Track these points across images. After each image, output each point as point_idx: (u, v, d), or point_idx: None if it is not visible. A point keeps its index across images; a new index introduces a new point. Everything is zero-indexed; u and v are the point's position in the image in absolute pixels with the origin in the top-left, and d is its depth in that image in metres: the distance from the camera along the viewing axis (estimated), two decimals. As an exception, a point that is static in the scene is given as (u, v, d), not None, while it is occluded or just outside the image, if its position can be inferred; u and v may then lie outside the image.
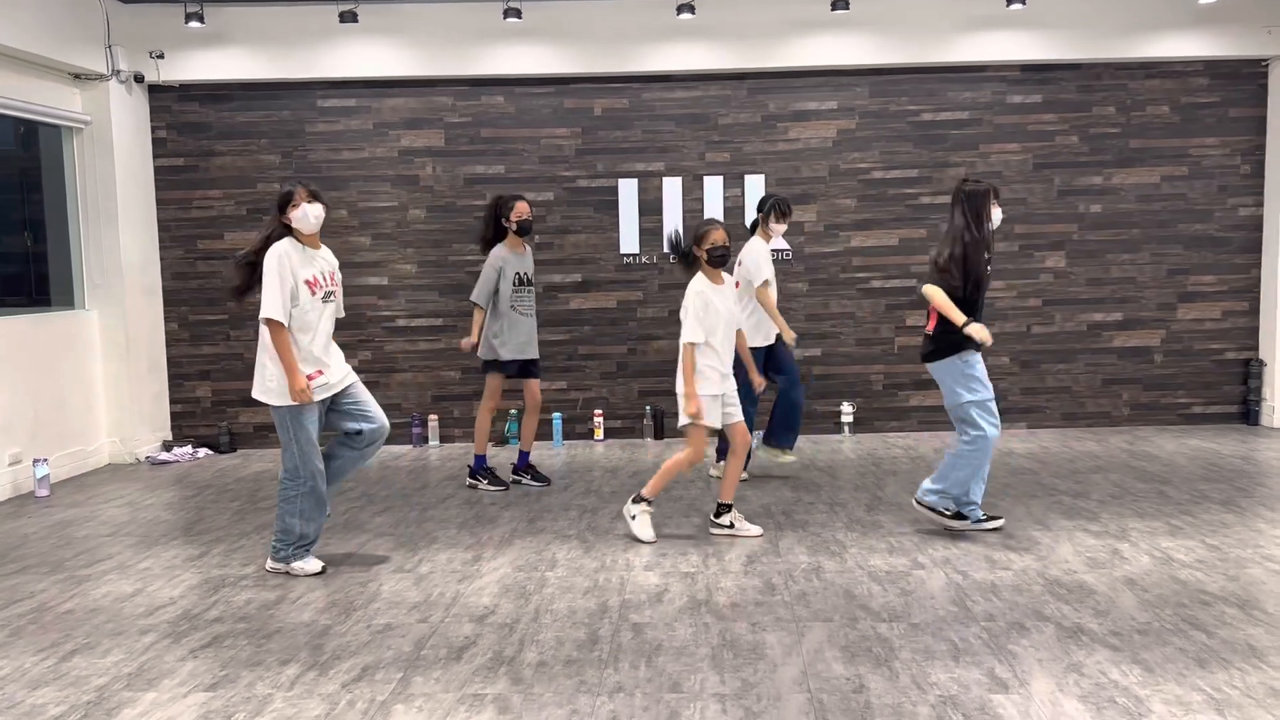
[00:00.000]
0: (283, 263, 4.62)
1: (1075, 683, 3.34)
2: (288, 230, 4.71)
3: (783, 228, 6.52)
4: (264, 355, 4.74)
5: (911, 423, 8.23)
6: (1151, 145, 8.08)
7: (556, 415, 8.08)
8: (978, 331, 4.83)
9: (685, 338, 5.04)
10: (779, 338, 6.38)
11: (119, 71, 7.51)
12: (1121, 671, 3.42)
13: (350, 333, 8.06)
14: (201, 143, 8.06)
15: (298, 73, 7.87)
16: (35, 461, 6.67)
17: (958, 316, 4.86)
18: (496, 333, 6.30)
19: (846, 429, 8.17)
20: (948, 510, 5.17)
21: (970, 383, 4.97)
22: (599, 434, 8.19)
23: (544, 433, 8.07)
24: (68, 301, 7.63)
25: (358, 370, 8.14)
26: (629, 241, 8.15)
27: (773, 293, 6.30)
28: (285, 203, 4.69)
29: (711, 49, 7.84)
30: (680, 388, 5.11)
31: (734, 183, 8.10)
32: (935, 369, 5.08)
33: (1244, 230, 8.14)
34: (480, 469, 6.54)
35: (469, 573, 4.73)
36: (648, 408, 8.20)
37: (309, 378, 4.68)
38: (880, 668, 3.52)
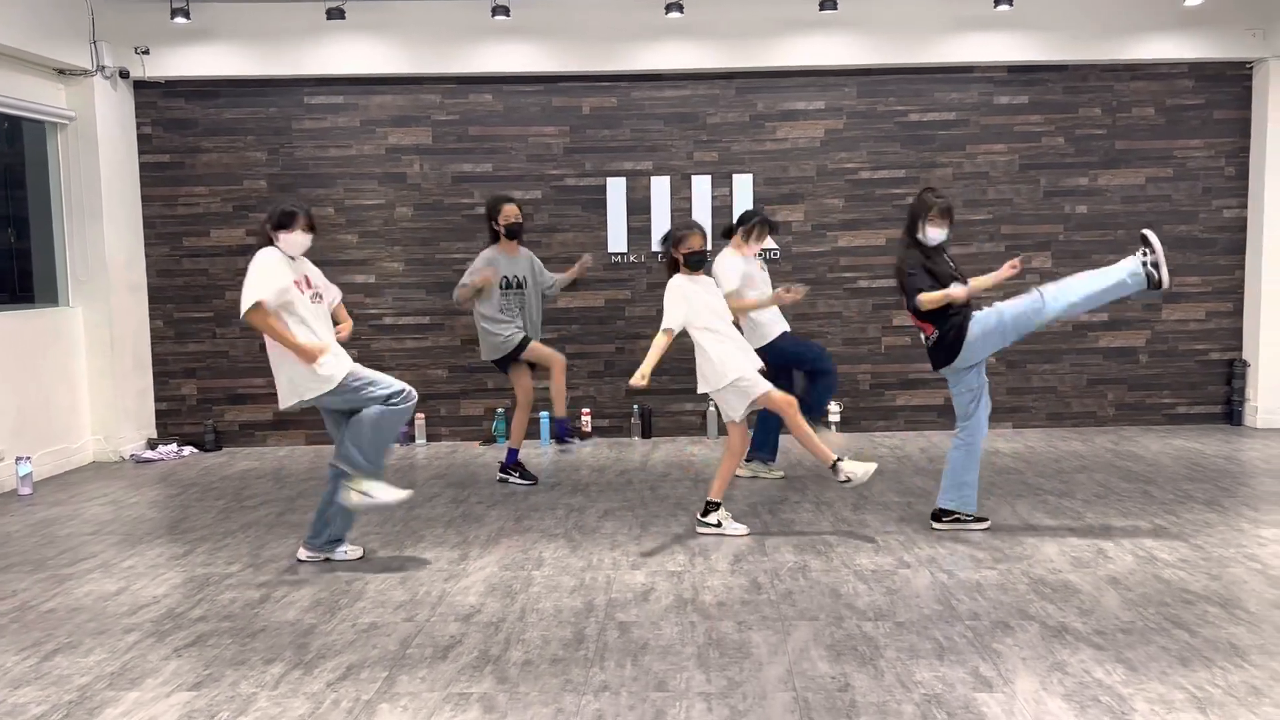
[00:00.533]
0: (274, 260, 4.67)
1: (1059, 681, 3.36)
2: (270, 244, 4.76)
3: (759, 246, 6.46)
4: (274, 360, 4.75)
5: (898, 422, 8.25)
6: (1137, 147, 8.12)
7: (544, 414, 8.06)
8: (961, 291, 4.92)
9: (665, 324, 5.12)
10: (781, 335, 6.36)
11: (104, 67, 7.46)
12: (1105, 670, 3.44)
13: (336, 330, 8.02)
14: (187, 139, 8.02)
15: (285, 69, 7.84)
16: (18, 459, 6.62)
17: (950, 294, 4.92)
18: (486, 331, 6.31)
19: (833, 428, 8.18)
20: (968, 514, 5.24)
21: (977, 370, 5.10)
22: (587, 431, 8.18)
23: (531, 431, 8.06)
24: (52, 298, 7.59)
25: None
26: (617, 240, 8.15)
27: (753, 297, 6.24)
28: (283, 223, 4.71)
29: (700, 48, 7.85)
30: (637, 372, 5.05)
31: (722, 182, 8.11)
32: (949, 373, 5.15)
33: (1228, 232, 8.19)
34: (512, 463, 6.59)
35: (455, 571, 4.72)
36: (635, 406, 8.19)
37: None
38: (865, 666, 3.53)
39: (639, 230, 8.13)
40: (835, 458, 5.11)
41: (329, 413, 4.87)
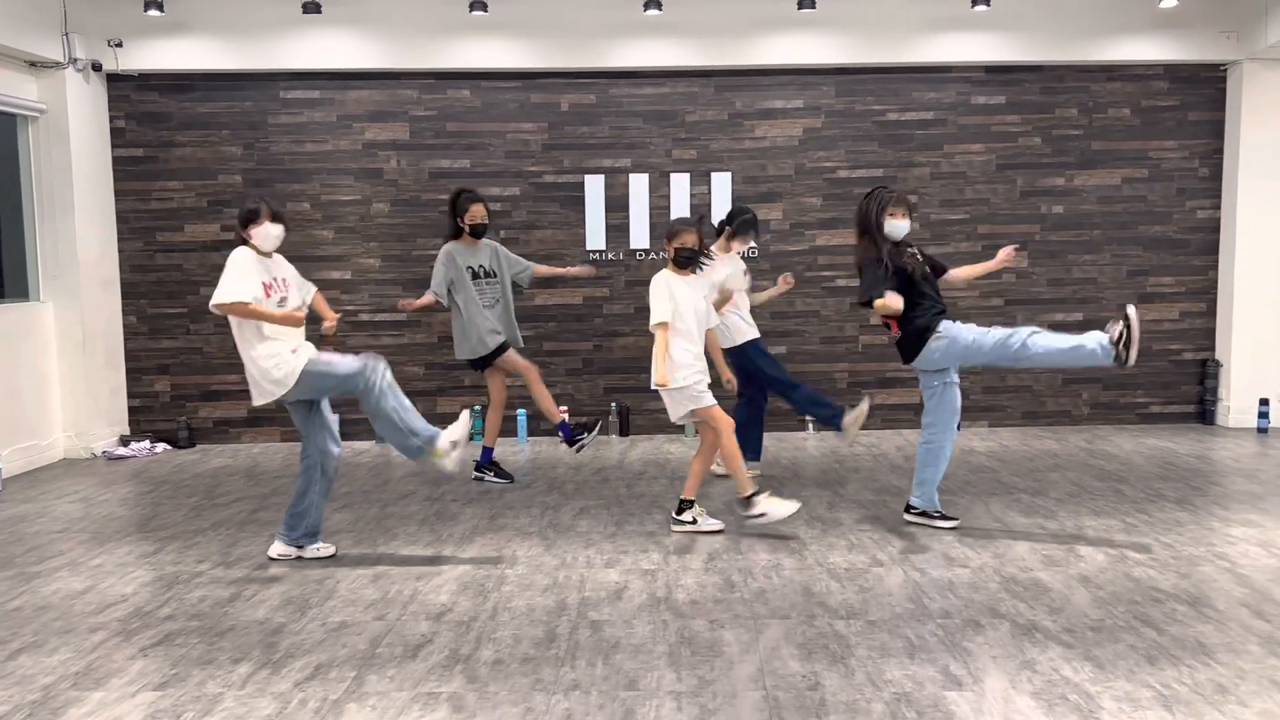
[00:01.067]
0: (247, 259, 4.68)
1: (1028, 680, 3.37)
2: (244, 243, 4.77)
3: (744, 246, 6.53)
4: (244, 355, 4.74)
5: (875, 420, 8.26)
6: (1112, 147, 8.17)
7: (521, 411, 8.04)
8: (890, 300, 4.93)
9: (654, 319, 5.06)
10: (749, 341, 6.37)
11: (76, 60, 7.38)
12: (1073, 668, 3.45)
13: (312, 327, 7.92)
14: (161, 133, 7.94)
15: (260, 63, 7.77)
16: (-13, 456, 6.56)
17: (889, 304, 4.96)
18: (463, 330, 6.28)
19: (810, 427, 8.20)
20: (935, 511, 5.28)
21: (947, 363, 5.10)
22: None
23: (508, 428, 8.04)
24: (22, 293, 7.50)
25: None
26: (596, 238, 8.13)
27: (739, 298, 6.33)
28: (249, 219, 4.73)
29: (679, 46, 7.83)
30: (655, 375, 5.07)
31: (701, 180, 8.10)
32: (918, 365, 5.17)
33: (1201, 232, 8.25)
34: (487, 462, 6.56)
35: (428, 570, 4.69)
36: (613, 404, 8.18)
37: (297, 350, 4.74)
38: (836, 665, 3.53)
39: (617, 228, 8.11)
40: (752, 491, 5.16)
41: (294, 406, 4.85)
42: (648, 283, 5.25)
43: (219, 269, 4.70)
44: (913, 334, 5.06)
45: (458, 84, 7.99)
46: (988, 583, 4.37)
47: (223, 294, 4.57)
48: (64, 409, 7.57)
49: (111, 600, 4.36)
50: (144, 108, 7.92)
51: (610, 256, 8.13)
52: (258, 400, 4.76)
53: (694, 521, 5.24)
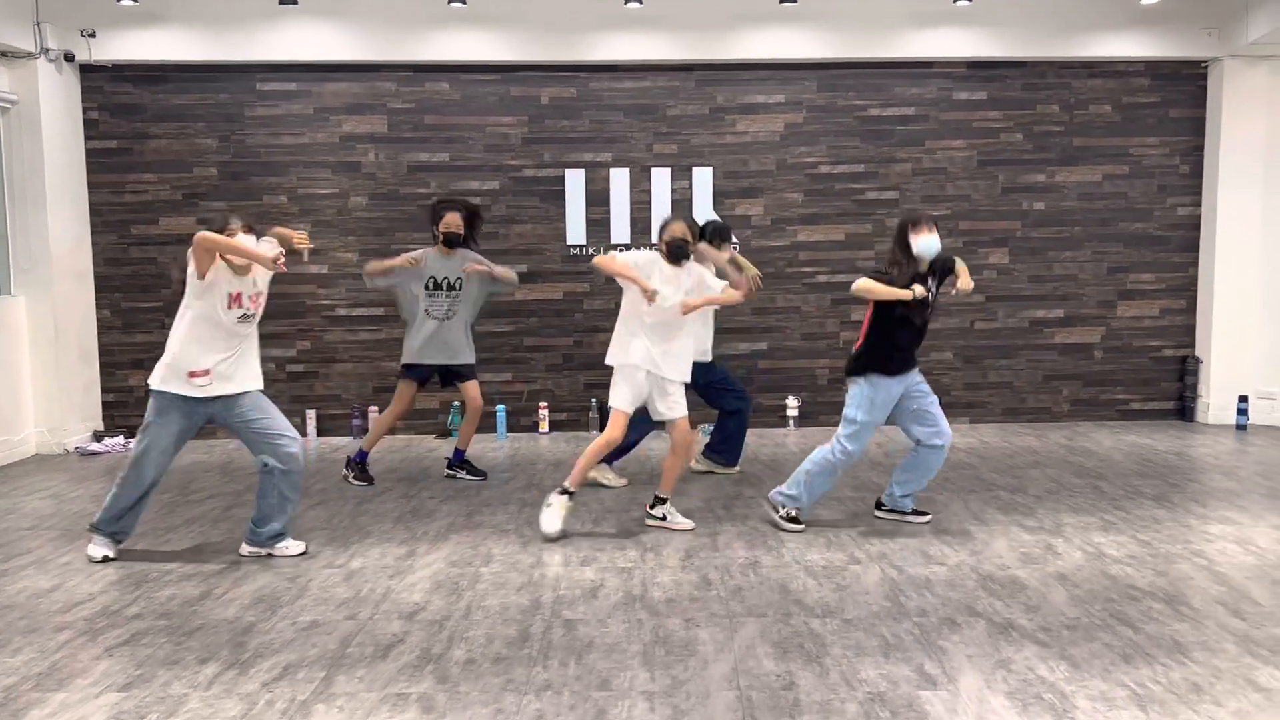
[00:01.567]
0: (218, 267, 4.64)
1: (1003, 679, 3.35)
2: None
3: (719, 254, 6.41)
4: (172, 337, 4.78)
5: (856, 417, 8.25)
6: (1094, 144, 8.17)
7: (500, 407, 7.99)
8: (917, 289, 4.87)
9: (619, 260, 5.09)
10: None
11: (48, 50, 7.28)
12: (1049, 667, 3.43)
13: (289, 322, 7.91)
14: (135, 125, 7.84)
15: (236, 54, 7.68)
16: (-44, 452, 6.46)
17: (897, 293, 4.87)
18: (408, 333, 6.22)
19: (791, 423, 8.18)
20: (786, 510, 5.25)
21: (863, 405, 5.03)
22: (544, 427, 8.11)
23: (487, 425, 7.98)
24: (-7, 286, 7.41)
25: (295, 360, 8.02)
26: (576, 232, 8.08)
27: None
28: (219, 233, 4.63)
29: (660, 39, 7.78)
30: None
31: (682, 175, 8.05)
32: (850, 383, 5.14)
33: (1182, 229, 8.27)
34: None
35: (401, 568, 4.64)
36: (594, 400, 8.13)
37: (196, 374, 4.68)
38: (811, 664, 3.50)
39: (598, 222, 8.06)
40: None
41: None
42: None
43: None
44: (859, 359, 5.06)
45: (436, 76, 7.92)
46: (965, 580, 4.35)
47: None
48: (36, 404, 7.47)
49: (79, 599, 4.29)
50: (118, 99, 7.81)
51: (591, 251, 8.08)
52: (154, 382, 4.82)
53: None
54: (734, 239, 6.48)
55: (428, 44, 7.72)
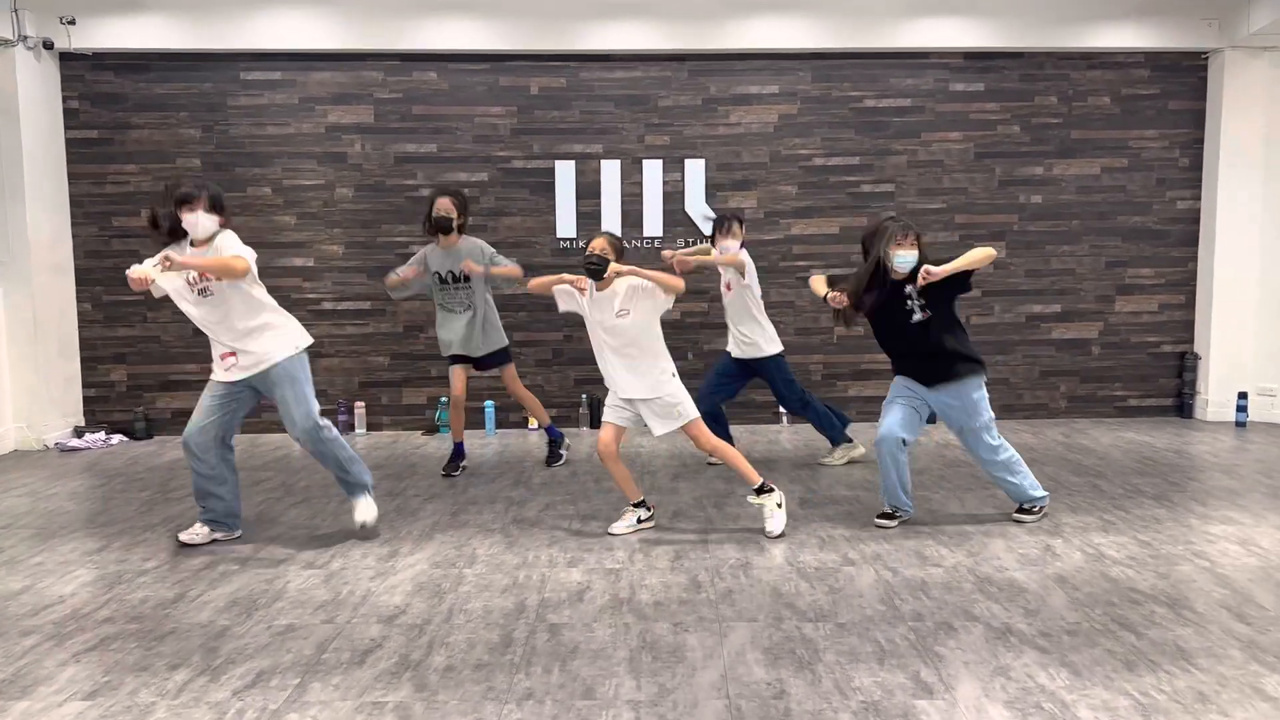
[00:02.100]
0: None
1: (1002, 687, 3.23)
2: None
3: (726, 243, 6.30)
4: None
5: (850, 413, 8.10)
6: (1092, 136, 8.05)
7: (489, 403, 7.86)
8: (835, 299, 4.94)
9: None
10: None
11: (26, 37, 7.13)
12: (1049, 675, 3.31)
13: (274, 316, 7.75)
14: (117, 115, 7.69)
15: (220, 43, 7.53)
16: (-70, 448, 6.31)
17: (819, 293, 5.10)
18: (438, 330, 6.17)
19: (785, 419, 8.06)
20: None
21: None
22: (533, 423, 7.98)
23: (476, 421, 7.86)
24: (-30, 279, 7.26)
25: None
26: (566, 225, 7.94)
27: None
28: (183, 201, 4.57)
29: (652, 28, 7.64)
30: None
31: (674, 167, 7.92)
32: None
33: (1181, 223, 8.15)
34: (459, 453, 6.48)
35: (383, 569, 4.51)
36: (584, 396, 8.01)
37: (225, 356, 4.70)
38: (803, 671, 3.37)
39: (589, 215, 7.92)
40: (762, 486, 5.01)
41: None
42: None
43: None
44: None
45: (424, 66, 7.77)
46: (962, 583, 4.23)
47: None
48: (15, 399, 7.33)
49: (49, 601, 4.15)
50: (98, 88, 7.66)
51: (581, 245, 7.94)
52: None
53: (639, 521, 5.07)
54: (729, 227, 6.30)
55: (415, 33, 7.57)
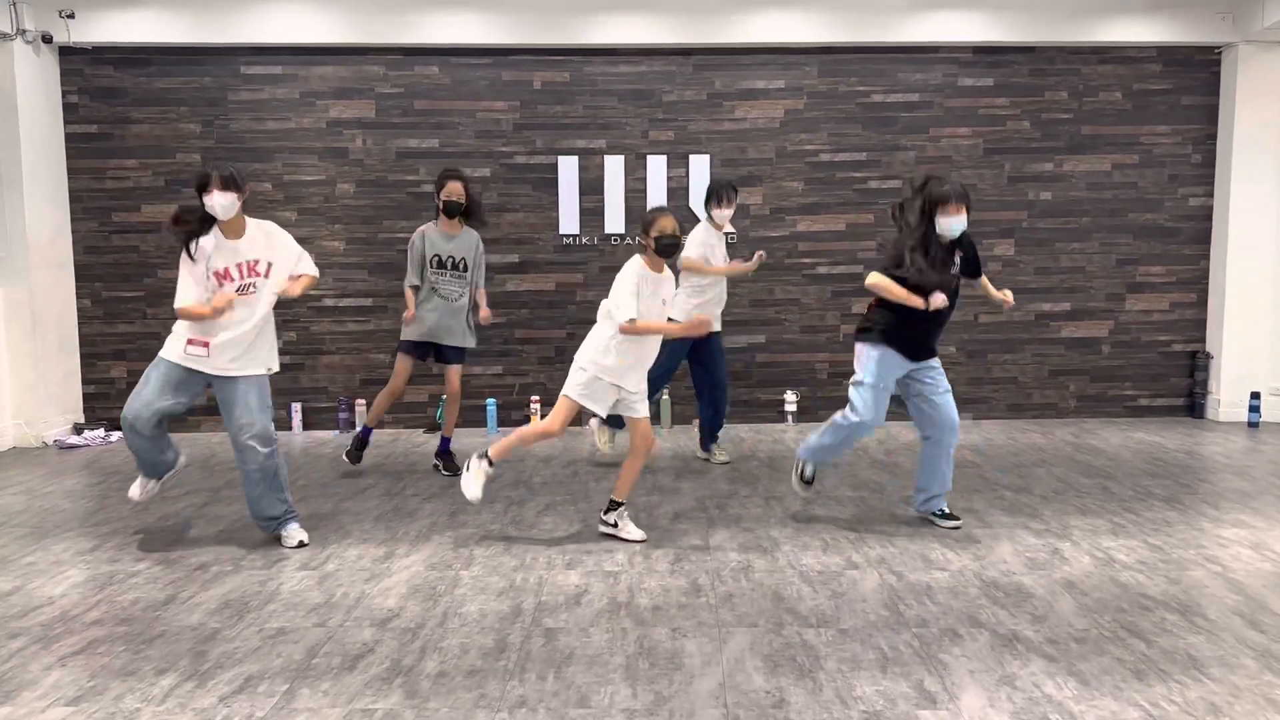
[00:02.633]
0: (186, 265, 4.54)
1: (1008, 697, 3.14)
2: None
3: (727, 213, 6.26)
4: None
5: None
6: (1103, 132, 7.93)
7: (490, 401, 7.78)
8: (938, 302, 4.70)
9: (622, 316, 4.61)
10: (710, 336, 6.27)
11: (25, 31, 7.06)
12: (1056, 684, 3.22)
13: (276, 312, 7.66)
14: (116, 109, 7.62)
15: (220, 37, 7.45)
16: (-74, 445, 6.26)
17: (914, 300, 4.70)
18: (416, 308, 6.02)
19: (790, 418, 7.97)
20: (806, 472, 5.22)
21: (866, 363, 4.89)
22: (535, 421, 7.89)
23: (477, 418, 7.79)
24: (-32, 275, 7.20)
25: (282, 352, 7.79)
26: (569, 222, 7.86)
27: (710, 287, 6.27)
28: (200, 188, 4.53)
29: (656, 22, 7.55)
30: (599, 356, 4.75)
31: (678, 163, 7.83)
32: (858, 345, 4.99)
33: (1194, 221, 8.03)
34: (363, 442, 6.33)
35: (378, 571, 4.43)
36: (586, 394, 7.92)
37: (195, 343, 4.62)
38: (803, 679, 3.29)
39: (591, 211, 7.84)
40: (620, 502, 4.91)
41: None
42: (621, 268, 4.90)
43: (178, 251, 4.57)
44: (869, 326, 4.91)
45: (426, 60, 7.69)
46: (968, 588, 4.14)
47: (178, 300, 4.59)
48: (13, 396, 7.27)
49: (38, 603, 4.09)
50: (98, 82, 7.60)
51: (584, 241, 7.86)
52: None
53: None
54: (728, 195, 6.25)
55: (417, 27, 7.49)
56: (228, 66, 7.62)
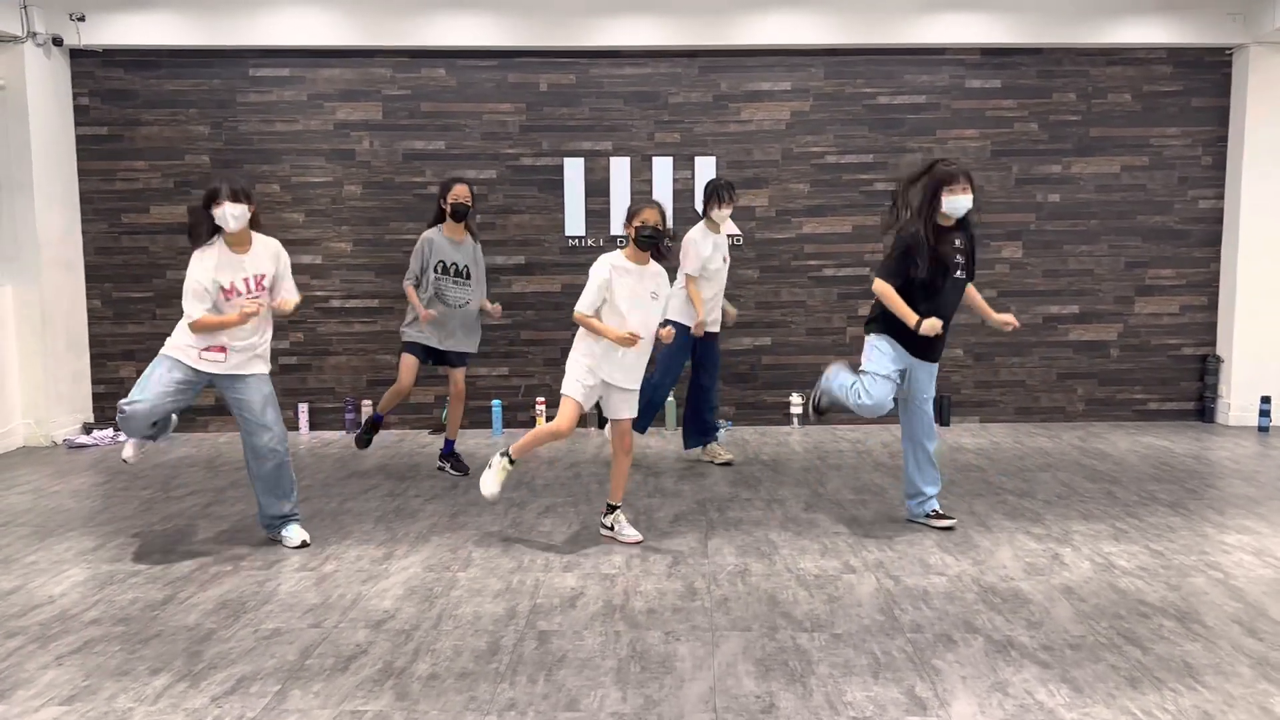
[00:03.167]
0: (203, 267, 4.58)
1: (999, 704, 3.12)
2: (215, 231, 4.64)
3: (726, 212, 6.27)
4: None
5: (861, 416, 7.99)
6: (1112, 134, 7.88)
7: (496, 402, 7.80)
8: (929, 328, 4.68)
9: (577, 306, 4.73)
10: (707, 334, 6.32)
11: (36, 34, 7.12)
12: (1048, 691, 3.20)
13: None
14: (126, 111, 7.68)
15: (229, 39, 7.50)
16: (-64, 444, 6.32)
17: (910, 317, 4.73)
18: (412, 312, 6.05)
19: (795, 421, 7.95)
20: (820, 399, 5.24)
21: (875, 355, 4.93)
22: (541, 422, 7.91)
23: (482, 420, 7.81)
24: (-21, 275, 7.27)
25: (289, 353, 7.83)
26: (574, 223, 7.86)
27: (707, 287, 6.27)
28: (209, 200, 4.58)
29: (662, 24, 7.55)
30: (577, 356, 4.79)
31: (684, 164, 7.82)
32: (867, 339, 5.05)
33: (1204, 223, 7.96)
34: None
35: (376, 572, 4.45)
36: (592, 396, 7.92)
37: (212, 349, 4.65)
38: (794, 684, 3.28)
39: (597, 213, 7.84)
40: (615, 505, 4.92)
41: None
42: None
43: (187, 252, 4.63)
44: (877, 318, 4.97)
45: (432, 62, 7.71)
46: (965, 593, 4.12)
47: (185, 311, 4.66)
48: (23, 395, 7.34)
49: (38, 601, 4.12)
50: (108, 84, 7.65)
51: (590, 243, 7.86)
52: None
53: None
54: (728, 195, 6.27)
55: (424, 29, 7.51)
56: (236, 69, 7.67)
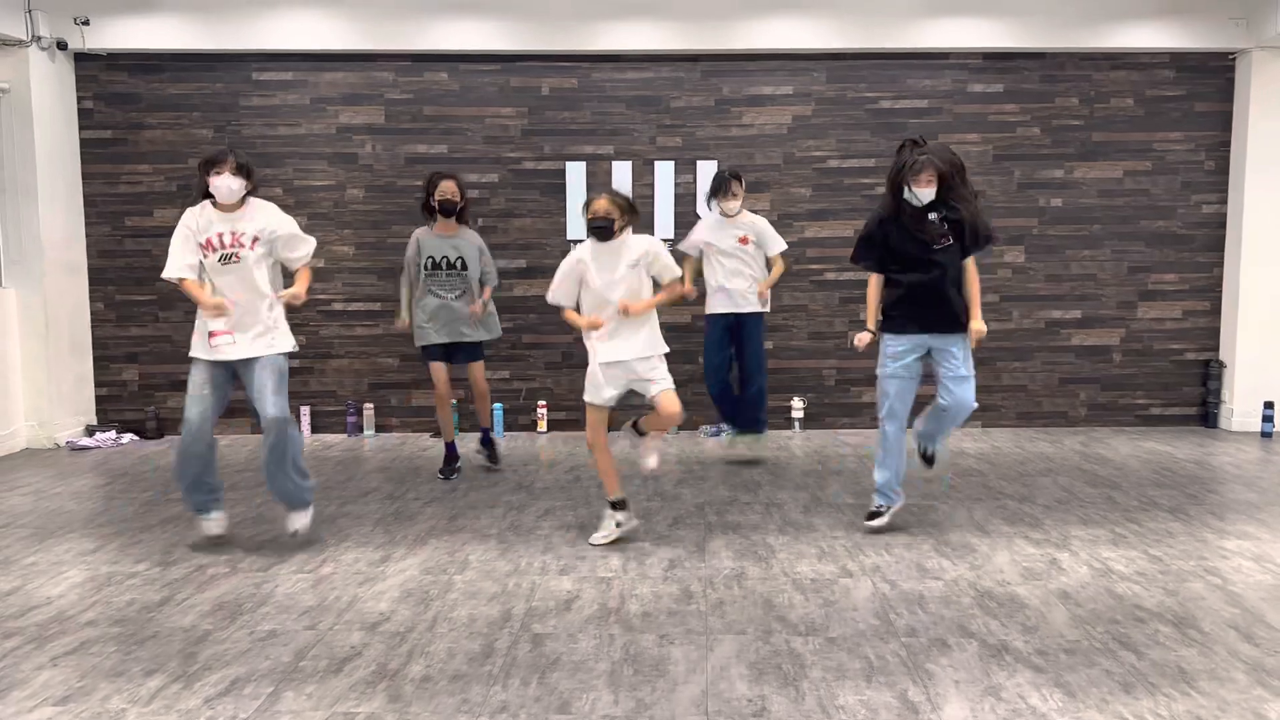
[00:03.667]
0: (185, 225, 4.64)
1: (991, 708, 3.11)
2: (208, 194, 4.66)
3: (733, 203, 6.38)
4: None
5: (864, 419, 8.00)
6: (1115, 139, 7.86)
7: (497, 406, 7.80)
8: (859, 340, 4.94)
9: (548, 298, 4.96)
10: (746, 316, 6.55)
11: (40, 38, 7.16)
12: (1041, 696, 3.19)
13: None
14: (130, 114, 7.71)
15: (232, 43, 7.53)
16: (-61, 446, 6.35)
17: (869, 319, 4.99)
18: (415, 313, 6.09)
19: (797, 424, 7.94)
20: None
21: (879, 358, 5.03)
22: (542, 426, 7.92)
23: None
24: (-17, 278, 7.31)
25: (291, 355, 7.85)
26: (576, 227, 7.87)
27: (719, 269, 6.51)
28: (210, 165, 4.56)
29: (664, 29, 7.56)
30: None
31: (686, 168, 7.83)
32: None
33: (1207, 228, 7.94)
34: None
35: (373, 574, 4.46)
36: (593, 399, 7.93)
37: (217, 333, 4.64)
38: (786, 688, 3.27)
39: (599, 217, 7.84)
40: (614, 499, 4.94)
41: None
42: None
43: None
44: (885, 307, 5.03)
45: (435, 66, 7.74)
46: (961, 597, 4.11)
47: (166, 269, 4.67)
48: (26, 397, 7.37)
49: (36, 603, 4.14)
50: (112, 88, 7.69)
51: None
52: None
53: (617, 525, 4.94)
54: (730, 187, 6.44)
55: (426, 33, 7.54)
56: (240, 72, 7.70)
